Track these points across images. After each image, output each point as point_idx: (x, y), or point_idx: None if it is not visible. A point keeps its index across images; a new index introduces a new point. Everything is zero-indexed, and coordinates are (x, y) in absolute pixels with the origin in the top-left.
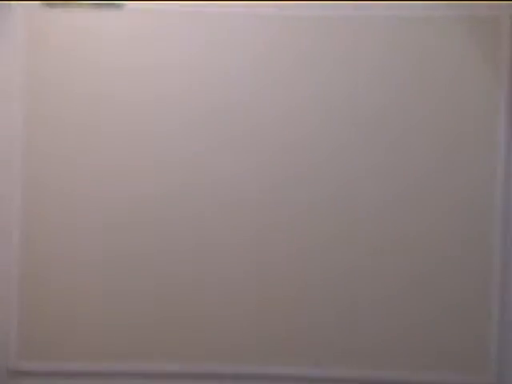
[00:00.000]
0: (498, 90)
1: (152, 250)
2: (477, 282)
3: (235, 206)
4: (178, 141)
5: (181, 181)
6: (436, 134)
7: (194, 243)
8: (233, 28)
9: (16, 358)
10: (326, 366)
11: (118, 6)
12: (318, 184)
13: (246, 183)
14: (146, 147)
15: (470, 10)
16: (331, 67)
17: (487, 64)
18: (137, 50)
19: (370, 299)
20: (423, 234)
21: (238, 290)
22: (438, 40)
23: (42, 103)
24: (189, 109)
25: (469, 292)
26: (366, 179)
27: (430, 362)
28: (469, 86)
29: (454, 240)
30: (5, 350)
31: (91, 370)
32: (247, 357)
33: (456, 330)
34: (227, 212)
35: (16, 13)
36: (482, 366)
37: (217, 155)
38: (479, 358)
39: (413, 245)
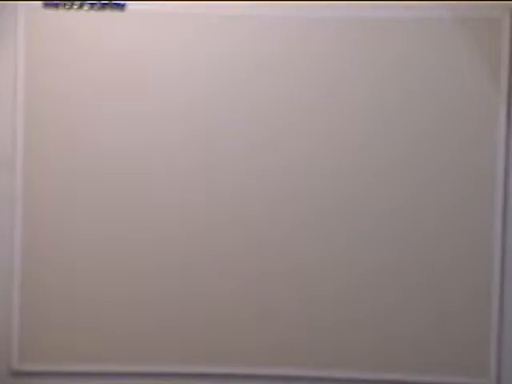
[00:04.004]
0: (498, 90)
1: (152, 253)
2: (476, 283)
3: (234, 207)
4: (179, 146)
5: (182, 182)
6: (435, 132)
7: (194, 246)
8: (234, 30)
9: (18, 359)
10: (326, 366)
11: (120, 7)
12: (320, 186)
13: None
14: (146, 149)
15: (470, 11)
16: (332, 70)
17: (487, 64)
18: (137, 51)
19: (371, 301)
20: (422, 236)
21: (238, 290)
22: (438, 40)
23: (42, 103)
24: (190, 116)
25: (468, 293)
26: (366, 184)
27: (430, 363)
28: (468, 85)
29: (453, 241)
30: (7, 351)
31: (91, 370)
32: (247, 357)
33: (456, 331)
34: (228, 212)
35: (16, 13)
36: (481, 368)
37: (216, 154)
38: (479, 359)
39: (412, 246)
